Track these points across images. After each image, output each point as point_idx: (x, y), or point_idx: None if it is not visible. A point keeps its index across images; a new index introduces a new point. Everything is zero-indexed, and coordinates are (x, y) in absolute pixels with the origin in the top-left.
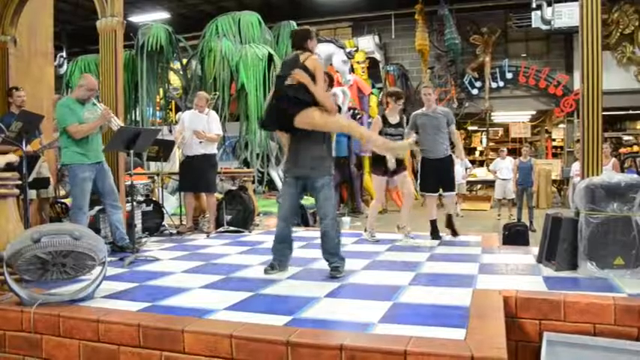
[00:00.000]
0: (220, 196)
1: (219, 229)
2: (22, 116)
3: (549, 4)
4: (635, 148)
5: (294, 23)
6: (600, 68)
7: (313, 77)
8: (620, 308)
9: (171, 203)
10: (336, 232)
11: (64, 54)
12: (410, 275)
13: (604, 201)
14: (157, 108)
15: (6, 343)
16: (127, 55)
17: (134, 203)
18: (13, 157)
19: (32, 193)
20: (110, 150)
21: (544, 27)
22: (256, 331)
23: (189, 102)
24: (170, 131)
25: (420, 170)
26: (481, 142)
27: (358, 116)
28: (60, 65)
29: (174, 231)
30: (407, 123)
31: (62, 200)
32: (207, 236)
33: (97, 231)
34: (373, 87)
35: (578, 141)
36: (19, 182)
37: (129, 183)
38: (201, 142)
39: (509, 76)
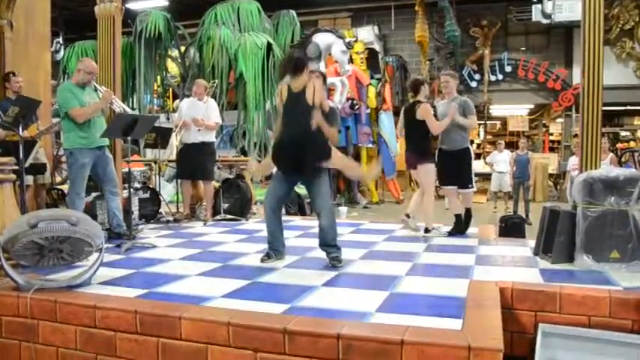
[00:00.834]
0: (218, 184)
1: (216, 217)
2: (19, 101)
3: None
4: (632, 144)
5: (293, 12)
6: (601, 63)
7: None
8: (615, 301)
9: (168, 191)
10: (333, 222)
11: (60, 40)
12: (407, 265)
13: (602, 195)
14: (155, 95)
15: (2, 329)
16: (125, 41)
17: (131, 190)
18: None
19: (29, 179)
20: (108, 137)
21: (544, 21)
22: (254, 319)
23: (188, 90)
24: (168, 119)
25: (437, 161)
26: (479, 134)
27: (356, 106)
28: (57, 51)
29: (171, 218)
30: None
31: (58, 187)
32: (204, 224)
33: (94, 217)
34: (372, 78)
35: (575, 135)
36: (16, 167)
37: (126, 170)
38: (199, 130)
39: (508, 69)
